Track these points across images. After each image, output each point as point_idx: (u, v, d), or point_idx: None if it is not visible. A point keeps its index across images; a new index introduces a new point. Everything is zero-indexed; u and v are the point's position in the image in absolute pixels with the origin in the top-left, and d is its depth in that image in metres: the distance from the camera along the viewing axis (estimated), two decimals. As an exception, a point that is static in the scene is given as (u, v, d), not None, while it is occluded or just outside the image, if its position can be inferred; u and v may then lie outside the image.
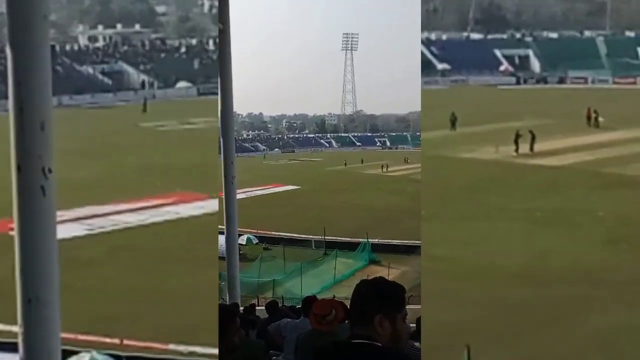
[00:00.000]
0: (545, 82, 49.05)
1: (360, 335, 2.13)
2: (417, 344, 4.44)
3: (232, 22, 10.73)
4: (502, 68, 52.28)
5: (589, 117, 27.06)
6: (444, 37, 56.85)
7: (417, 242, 25.84)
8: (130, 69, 44.81)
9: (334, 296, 15.89)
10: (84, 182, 17.70)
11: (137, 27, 52.56)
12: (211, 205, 15.59)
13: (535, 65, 53.19)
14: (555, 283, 10.09)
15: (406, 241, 26.47)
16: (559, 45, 52.67)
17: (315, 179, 51.88)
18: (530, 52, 54.10)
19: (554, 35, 54.96)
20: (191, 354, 8.34)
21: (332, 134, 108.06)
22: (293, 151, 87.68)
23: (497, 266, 10.90)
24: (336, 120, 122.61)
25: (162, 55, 47.54)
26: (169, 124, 30.83)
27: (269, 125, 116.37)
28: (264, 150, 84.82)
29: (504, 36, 56.40)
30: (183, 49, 48.96)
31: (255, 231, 28.35)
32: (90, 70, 44.32)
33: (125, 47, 47.92)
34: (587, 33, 54.87)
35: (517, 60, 53.41)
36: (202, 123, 28.89)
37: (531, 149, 21.56)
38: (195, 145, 22.55)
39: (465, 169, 19.92)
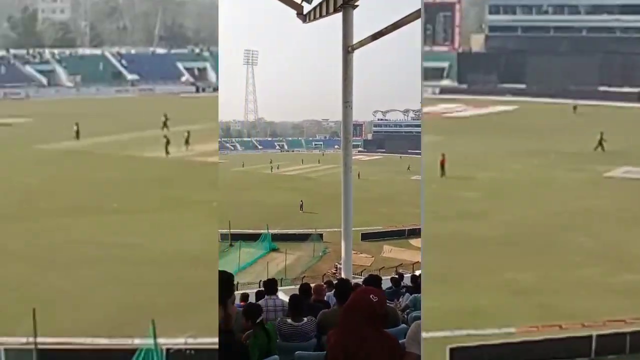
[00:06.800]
0: (216, 91, 54.19)
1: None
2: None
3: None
4: (183, 79, 57.60)
5: None
6: (133, 51, 61.46)
7: (311, 230, 29.54)
8: None
9: (237, 282, 18.07)
10: None
11: None
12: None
13: (212, 76, 59.89)
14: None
15: (302, 230, 29.85)
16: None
17: (220, 179, 54.40)
18: (208, 65, 60.33)
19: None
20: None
21: (236, 139, 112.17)
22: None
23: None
24: (240, 126, 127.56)
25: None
26: None
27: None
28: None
29: (185, 51, 61.81)
30: None
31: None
32: None
33: None
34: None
35: (196, 72, 59.38)
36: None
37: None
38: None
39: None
